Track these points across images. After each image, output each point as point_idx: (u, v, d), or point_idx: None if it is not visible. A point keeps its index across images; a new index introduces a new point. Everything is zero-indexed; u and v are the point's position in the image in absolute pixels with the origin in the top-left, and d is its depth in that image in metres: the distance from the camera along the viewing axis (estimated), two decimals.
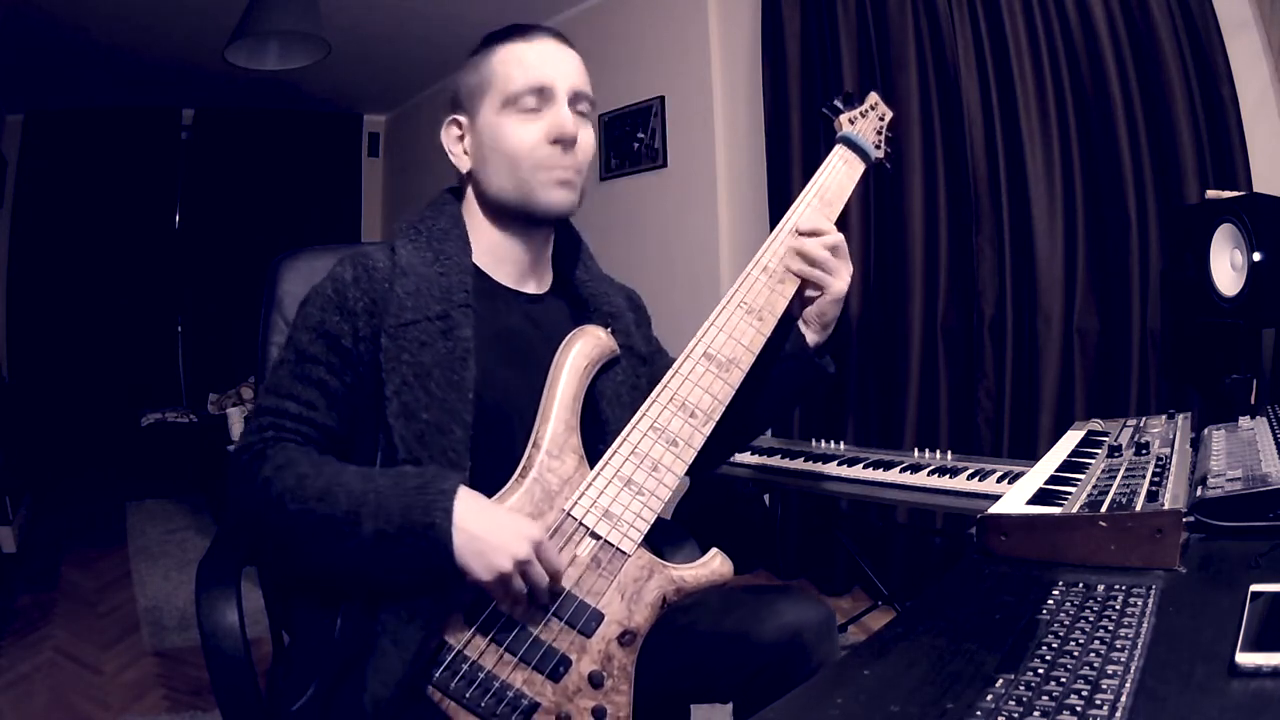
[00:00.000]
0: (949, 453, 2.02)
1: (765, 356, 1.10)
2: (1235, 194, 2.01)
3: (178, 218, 5.77)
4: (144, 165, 5.57)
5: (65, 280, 5.35)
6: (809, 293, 1.14)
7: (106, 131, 5.41)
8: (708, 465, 1.15)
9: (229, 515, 1.20)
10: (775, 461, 2.15)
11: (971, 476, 1.81)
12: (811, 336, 1.16)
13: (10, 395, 4.90)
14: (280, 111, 5.86)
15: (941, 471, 1.87)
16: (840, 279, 1.12)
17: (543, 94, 1.05)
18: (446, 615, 0.91)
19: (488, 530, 0.89)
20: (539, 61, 1.06)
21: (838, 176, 1.21)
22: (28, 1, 3.68)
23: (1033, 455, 2.16)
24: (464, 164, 1.11)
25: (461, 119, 1.11)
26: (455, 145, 1.12)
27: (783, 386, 1.17)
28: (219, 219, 5.74)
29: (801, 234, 1.12)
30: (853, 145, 1.23)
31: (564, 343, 1.05)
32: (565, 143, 1.05)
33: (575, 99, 1.08)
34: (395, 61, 4.95)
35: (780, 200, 3.16)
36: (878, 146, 1.28)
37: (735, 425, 1.07)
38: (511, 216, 1.10)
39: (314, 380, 0.99)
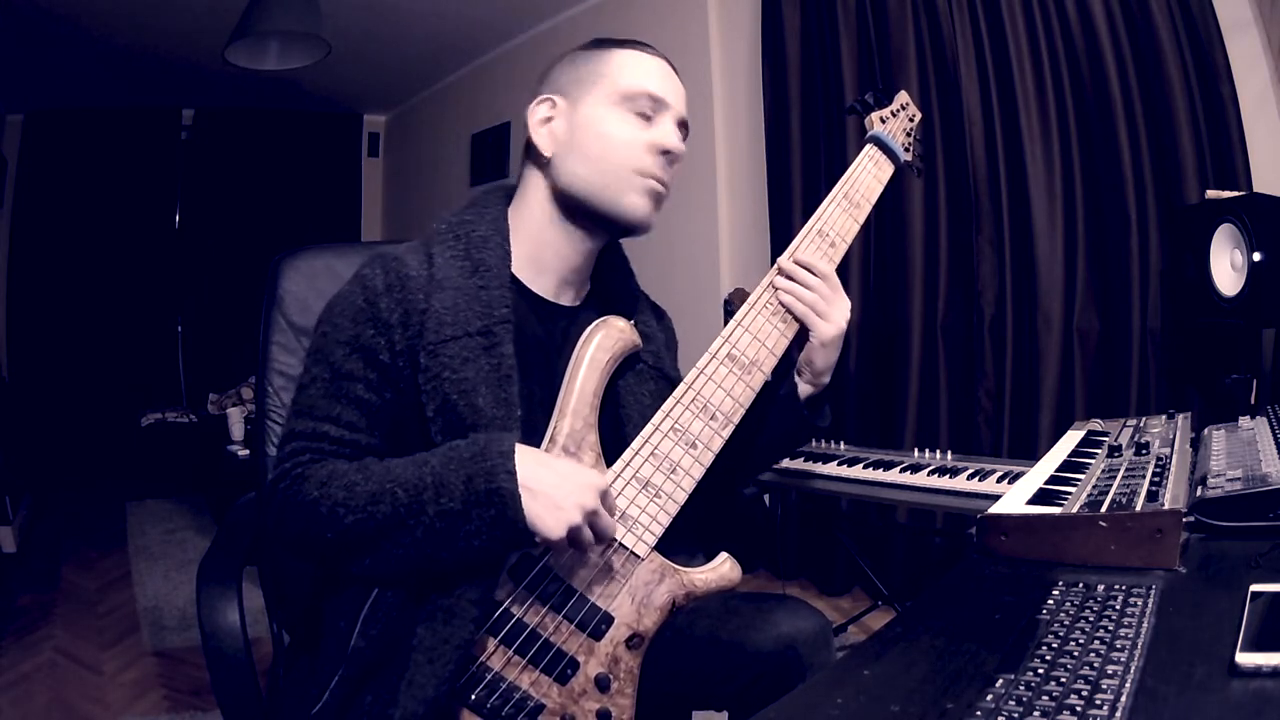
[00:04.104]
0: (949, 453, 2.02)
1: (761, 397, 1.04)
2: (1235, 194, 2.01)
3: (178, 218, 5.77)
4: (144, 165, 5.57)
5: (65, 280, 5.36)
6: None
7: (106, 131, 5.41)
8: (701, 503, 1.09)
9: (268, 547, 1.15)
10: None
11: (971, 476, 1.81)
12: (803, 387, 1.12)
13: (10, 395, 4.90)
14: (280, 111, 5.86)
15: (941, 471, 1.87)
16: (830, 321, 1.07)
17: (657, 105, 1.03)
18: (483, 634, 0.89)
19: (554, 485, 0.87)
20: (659, 76, 1.05)
21: (866, 178, 1.17)
22: (28, 1, 3.68)
23: (1033, 455, 2.17)
24: (549, 147, 1.03)
25: (558, 100, 1.04)
26: (541, 125, 1.04)
27: (772, 429, 1.12)
28: (219, 219, 5.74)
29: (797, 263, 1.07)
30: (883, 146, 1.19)
31: (584, 335, 1.02)
32: (669, 156, 1.03)
33: (681, 125, 1.06)
34: (395, 61, 4.95)
35: (780, 200, 3.17)
36: (907, 149, 1.24)
37: (727, 464, 1.02)
38: (579, 214, 1.04)
39: (353, 398, 0.94)
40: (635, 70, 1.04)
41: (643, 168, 1.02)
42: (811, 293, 1.06)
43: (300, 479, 0.91)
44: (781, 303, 1.06)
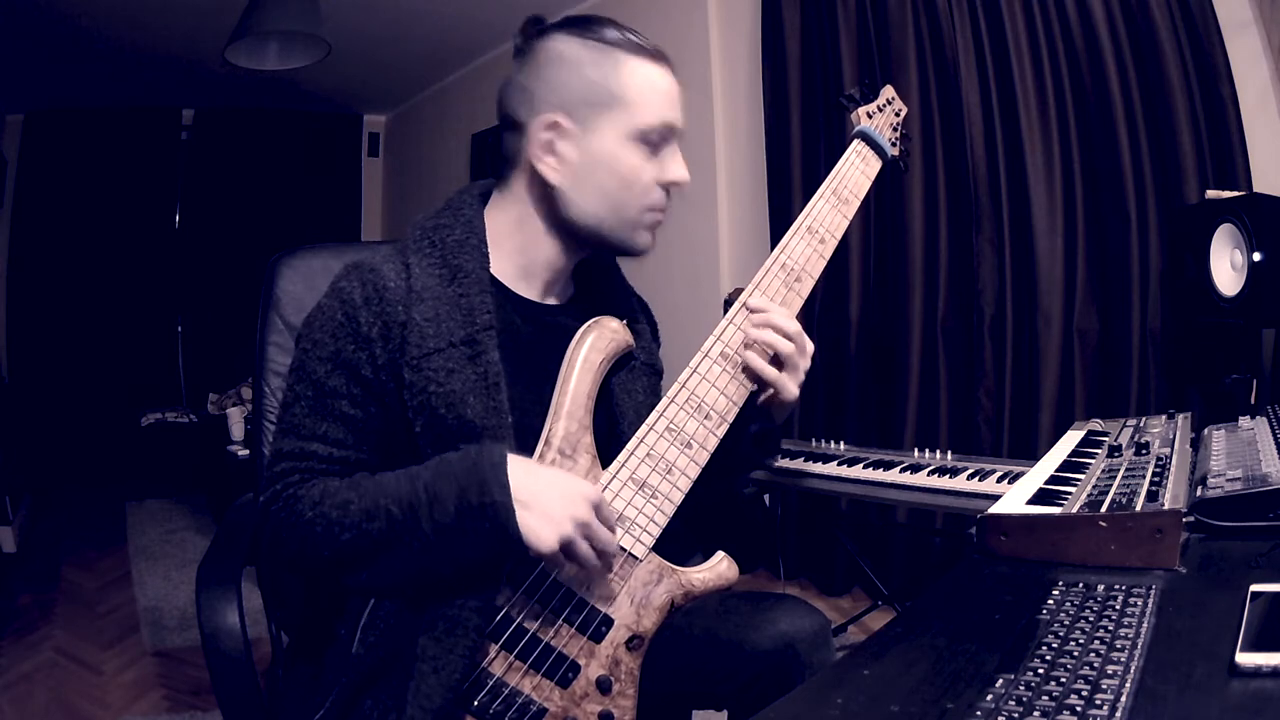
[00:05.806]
0: (949, 453, 2.02)
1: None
2: (1235, 194, 2.01)
3: (178, 218, 5.77)
4: (144, 165, 5.57)
5: (65, 280, 5.36)
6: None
7: (106, 131, 5.41)
8: None
9: (266, 569, 1.15)
10: (775, 461, 2.15)
11: (971, 476, 1.81)
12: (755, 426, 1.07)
13: (10, 395, 4.90)
14: (280, 111, 5.86)
15: (941, 471, 1.87)
16: (795, 381, 1.01)
17: (668, 134, 1.00)
18: (485, 640, 0.89)
19: (546, 498, 0.87)
20: (674, 99, 1.00)
21: (855, 174, 1.16)
22: (28, 1, 3.68)
23: (1033, 455, 2.17)
24: (555, 176, 0.98)
25: (565, 124, 0.97)
26: (545, 150, 0.97)
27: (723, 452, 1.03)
28: (219, 219, 5.74)
29: (753, 313, 1.00)
30: (870, 141, 1.19)
31: (577, 336, 1.00)
32: (677, 187, 1.03)
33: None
34: (395, 61, 4.95)
35: (780, 200, 3.17)
36: (893, 144, 1.23)
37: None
38: (582, 242, 1.03)
39: (339, 415, 0.93)
40: (653, 99, 0.98)
41: (653, 204, 1.01)
42: (788, 347, 0.99)
43: (293, 499, 0.91)
44: (746, 362, 0.99)
